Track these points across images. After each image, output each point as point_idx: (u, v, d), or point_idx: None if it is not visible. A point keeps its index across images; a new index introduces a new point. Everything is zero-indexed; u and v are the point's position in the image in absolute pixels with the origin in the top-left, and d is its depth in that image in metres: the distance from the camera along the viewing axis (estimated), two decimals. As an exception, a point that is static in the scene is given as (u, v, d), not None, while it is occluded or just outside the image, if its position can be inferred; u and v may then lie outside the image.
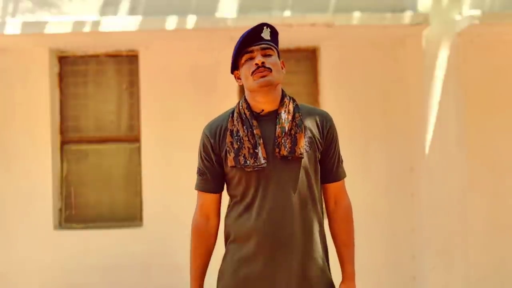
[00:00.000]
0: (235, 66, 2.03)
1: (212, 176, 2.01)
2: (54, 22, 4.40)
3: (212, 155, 2.00)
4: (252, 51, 1.95)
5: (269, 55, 1.96)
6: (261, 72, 1.92)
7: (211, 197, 2.04)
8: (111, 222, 4.85)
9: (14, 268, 4.69)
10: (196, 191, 2.09)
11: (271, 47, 1.97)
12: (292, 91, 4.77)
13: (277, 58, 1.99)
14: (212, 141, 2.00)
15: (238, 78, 2.04)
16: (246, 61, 1.96)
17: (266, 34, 1.96)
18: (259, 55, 1.94)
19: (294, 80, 4.88)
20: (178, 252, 4.71)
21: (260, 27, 1.95)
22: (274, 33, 2.00)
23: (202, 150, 2.03)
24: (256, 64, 1.92)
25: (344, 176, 2.10)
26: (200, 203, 2.06)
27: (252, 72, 1.93)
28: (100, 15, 4.52)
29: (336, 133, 2.07)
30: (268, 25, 1.97)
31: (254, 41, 1.94)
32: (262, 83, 1.92)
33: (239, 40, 1.96)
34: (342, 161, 2.11)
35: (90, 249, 4.72)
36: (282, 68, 2.02)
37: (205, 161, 2.02)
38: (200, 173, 2.04)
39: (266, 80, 1.92)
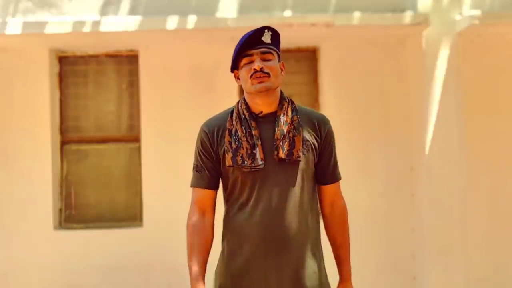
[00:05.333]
0: (234, 66, 2.04)
1: (210, 172, 2.01)
2: (54, 22, 4.39)
3: (211, 152, 2.01)
4: (251, 55, 1.95)
5: (269, 59, 1.96)
6: (259, 77, 1.93)
7: (208, 193, 2.02)
8: (111, 222, 4.85)
9: (14, 268, 4.69)
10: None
11: (271, 50, 1.98)
12: (292, 91, 4.79)
13: (277, 61, 2.00)
14: (210, 138, 2.01)
15: (237, 78, 2.05)
16: (245, 64, 1.97)
17: (267, 37, 1.97)
18: (258, 60, 1.95)
19: (294, 80, 4.88)
20: (178, 252, 4.68)
21: (261, 31, 1.96)
22: (275, 36, 2.00)
23: (200, 146, 2.04)
24: (255, 69, 1.93)
25: (340, 178, 2.13)
26: (195, 199, 2.03)
27: (250, 76, 1.95)
28: (100, 15, 4.51)
29: (333, 136, 2.09)
30: (269, 28, 1.97)
31: (254, 45, 1.95)
32: (259, 88, 1.94)
33: (239, 42, 1.96)
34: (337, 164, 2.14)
35: (90, 249, 4.71)
36: (282, 71, 2.03)
37: (203, 157, 2.02)
38: (198, 169, 2.03)
39: (264, 86, 1.94)
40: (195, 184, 2.04)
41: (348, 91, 4.87)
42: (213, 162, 2.01)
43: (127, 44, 4.86)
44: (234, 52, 1.99)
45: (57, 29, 4.38)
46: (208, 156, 2.02)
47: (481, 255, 4.71)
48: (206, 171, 2.02)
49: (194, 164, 2.05)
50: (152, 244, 4.72)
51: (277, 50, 2.01)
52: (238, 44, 1.97)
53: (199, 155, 2.04)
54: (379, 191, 4.83)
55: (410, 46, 4.79)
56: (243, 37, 1.96)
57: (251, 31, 1.96)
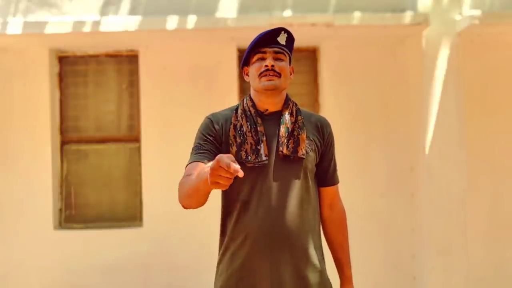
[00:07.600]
0: (245, 62, 2.05)
1: (211, 153, 1.92)
2: (54, 22, 4.40)
3: (215, 135, 1.95)
4: (264, 52, 1.98)
5: (280, 60, 1.99)
6: (269, 75, 1.95)
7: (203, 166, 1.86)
8: (111, 222, 4.85)
9: (14, 268, 4.69)
10: None
11: (284, 52, 2.00)
12: (292, 91, 4.78)
13: (288, 64, 2.03)
14: (216, 124, 1.98)
15: (246, 74, 2.07)
16: (257, 60, 1.99)
17: (282, 39, 1.99)
18: (271, 58, 1.97)
19: (294, 80, 4.84)
20: (178, 252, 4.72)
21: (278, 31, 1.98)
22: (290, 39, 2.03)
23: (203, 130, 1.98)
24: (266, 66, 1.95)
25: (339, 181, 2.15)
26: (188, 170, 1.88)
27: (260, 73, 1.97)
28: (100, 15, 4.52)
29: (334, 139, 2.12)
30: (286, 31, 2.00)
31: (269, 43, 1.98)
32: (268, 86, 1.96)
33: (255, 38, 1.98)
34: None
35: (90, 249, 4.71)
36: (291, 74, 2.06)
37: (208, 137, 1.95)
38: (201, 149, 1.93)
39: (272, 84, 1.96)
40: (192, 160, 1.91)
41: (348, 91, 4.87)
42: (216, 147, 1.94)
43: (127, 44, 4.86)
44: (247, 48, 2.01)
45: (57, 29, 4.38)
46: (211, 139, 1.95)
47: (481, 255, 4.71)
48: (207, 152, 1.92)
49: (194, 146, 1.96)
50: (152, 244, 4.72)
51: (289, 53, 2.04)
52: (253, 41, 1.99)
53: (203, 137, 1.96)
54: (379, 191, 4.83)
55: (410, 46, 4.79)
56: (258, 35, 1.99)
57: (268, 30, 1.98)
